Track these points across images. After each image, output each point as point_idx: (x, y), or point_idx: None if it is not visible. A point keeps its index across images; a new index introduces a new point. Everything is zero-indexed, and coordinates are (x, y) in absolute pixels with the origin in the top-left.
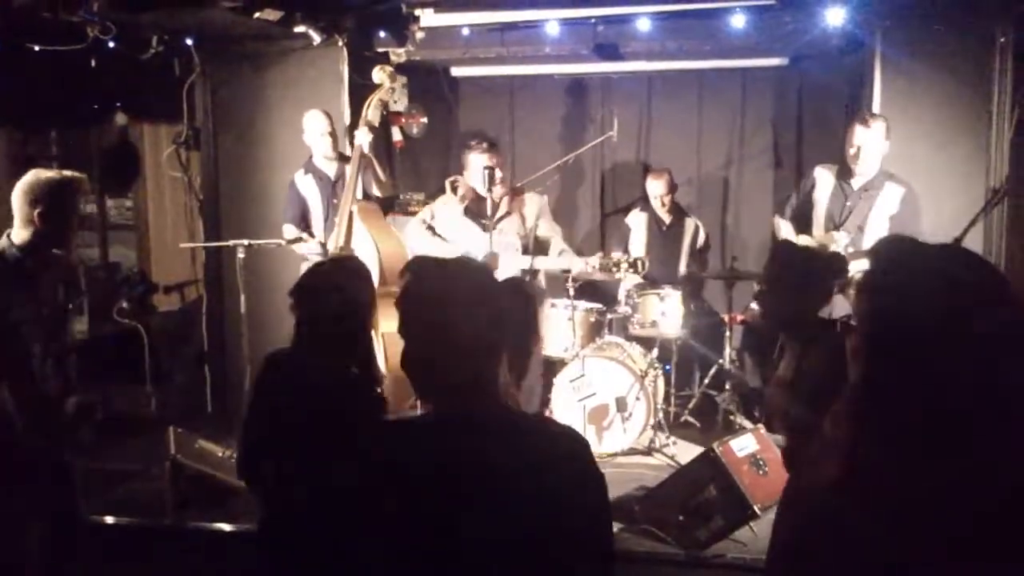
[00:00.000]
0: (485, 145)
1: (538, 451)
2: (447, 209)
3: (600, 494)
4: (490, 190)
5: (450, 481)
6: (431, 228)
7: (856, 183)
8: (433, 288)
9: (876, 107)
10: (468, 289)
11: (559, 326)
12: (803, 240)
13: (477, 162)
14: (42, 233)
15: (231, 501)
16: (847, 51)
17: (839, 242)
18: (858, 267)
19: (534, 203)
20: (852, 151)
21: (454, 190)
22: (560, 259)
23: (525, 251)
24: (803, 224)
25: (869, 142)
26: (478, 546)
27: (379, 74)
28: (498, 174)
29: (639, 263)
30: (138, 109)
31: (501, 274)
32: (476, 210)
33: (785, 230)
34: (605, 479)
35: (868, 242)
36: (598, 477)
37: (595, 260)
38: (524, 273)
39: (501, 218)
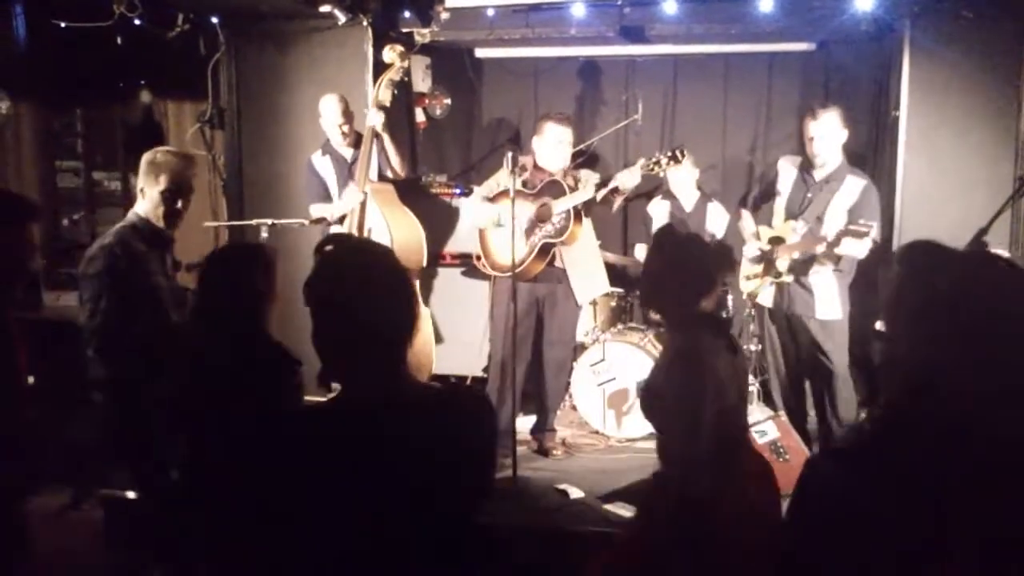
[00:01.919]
0: (567, 119)
1: (442, 424)
2: (504, 181)
3: (486, 448)
4: (513, 172)
5: (364, 460)
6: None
7: (818, 175)
8: (338, 272)
9: (904, 94)
10: (369, 273)
11: (581, 310)
12: (762, 230)
13: (554, 134)
14: (167, 210)
15: None
16: (876, 37)
17: (796, 231)
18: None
19: (590, 177)
20: (808, 143)
21: (514, 165)
22: (611, 182)
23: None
24: (765, 215)
25: (821, 132)
26: (398, 523)
27: (389, 53)
28: (567, 151)
29: (677, 152)
30: (163, 87)
31: (556, 219)
32: (533, 180)
33: (746, 221)
34: (496, 435)
35: (827, 232)
36: (490, 435)
37: (636, 168)
38: (577, 211)
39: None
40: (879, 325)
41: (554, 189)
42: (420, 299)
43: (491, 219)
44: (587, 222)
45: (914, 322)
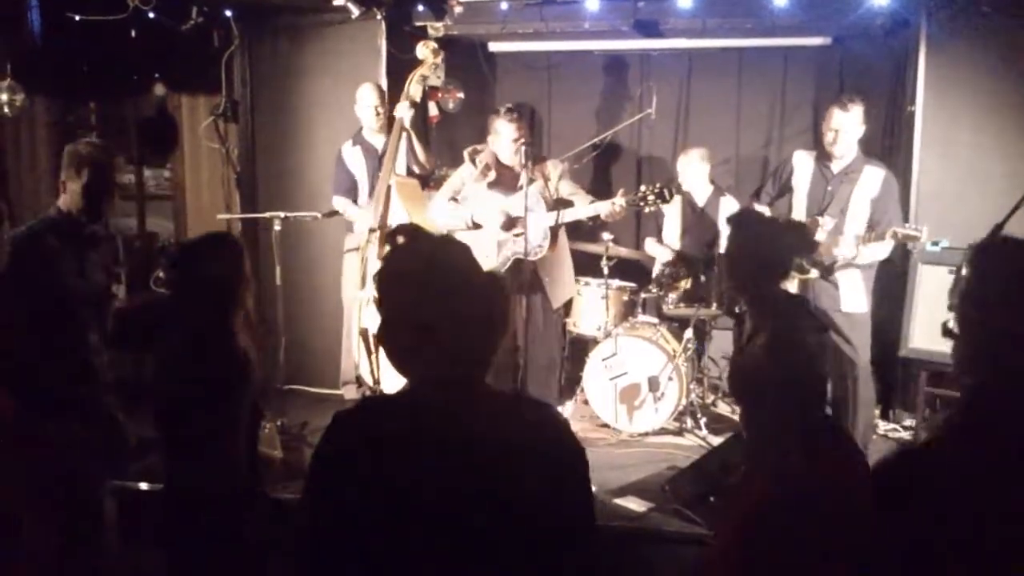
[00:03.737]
0: (515, 115)
1: (513, 428)
2: (469, 179)
3: (577, 467)
4: (525, 165)
5: (424, 457)
6: (455, 200)
7: (836, 167)
8: (411, 264)
9: (920, 89)
10: (446, 267)
11: (592, 304)
12: None
13: (506, 131)
14: (88, 206)
15: (266, 470)
16: (892, 31)
17: (825, 227)
18: (851, 252)
19: (556, 167)
20: (831, 135)
21: (473, 161)
22: (587, 208)
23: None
24: (783, 211)
25: (846, 126)
26: (450, 520)
27: (423, 50)
28: (504, 142)
29: (666, 191)
30: (177, 80)
31: (532, 232)
32: (500, 177)
33: None
34: (585, 452)
35: (850, 225)
36: (576, 451)
37: (620, 199)
38: (553, 230)
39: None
40: (951, 324)
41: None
42: (509, 301)
43: (464, 221)
44: (562, 237)
45: (994, 315)
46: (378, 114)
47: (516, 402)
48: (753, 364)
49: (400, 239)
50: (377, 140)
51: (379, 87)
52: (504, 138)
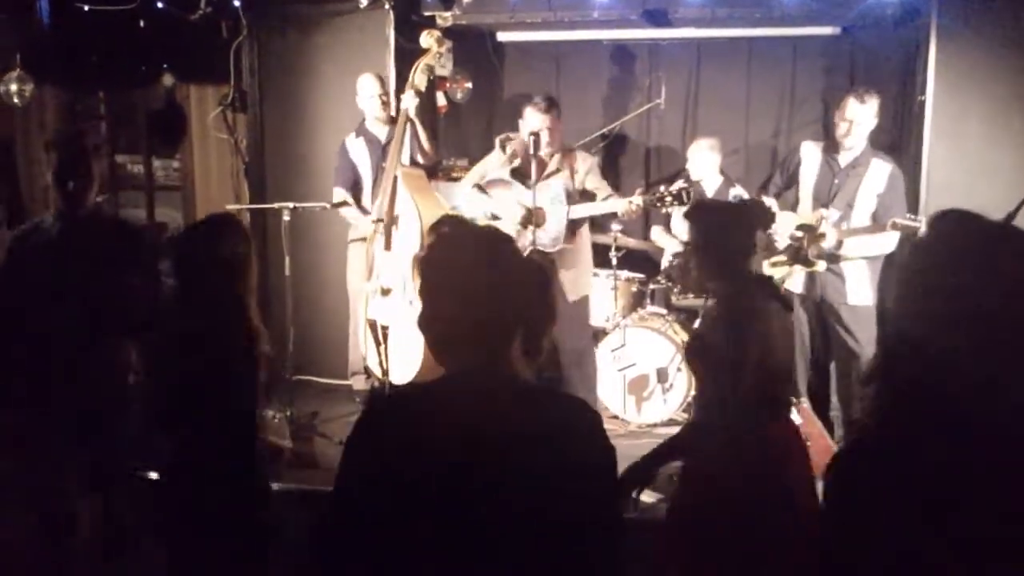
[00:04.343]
0: (543, 105)
1: (546, 421)
2: (494, 167)
3: (606, 465)
4: (534, 154)
5: (457, 445)
6: (480, 187)
7: (843, 160)
8: (456, 254)
9: (930, 79)
10: (490, 259)
11: (601, 295)
12: (789, 217)
13: (530, 120)
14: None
15: (275, 460)
16: (902, 21)
17: (829, 219)
18: (855, 247)
19: (583, 160)
20: (844, 126)
21: (503, 148)
22: (603, 204)
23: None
24: (790, 202)
25: (861, 118)
26: (481, 512)
27: (427, 39)
28: (544, 137)
29: (684, 194)
30: (185, 70)
31: (549, 227)
32: (525, 167)
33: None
34: (615, 451)
35: (856, 220)
36: (606, 448)
37: (638, 198)
38: (571, 224)
39: (551, 174)
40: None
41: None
42: (555, 293)
43: (485, 213)
44: (583, 230)
45: (940, 300)
46: (384, 103)
47: (551, 396)
48: (707, 328)
49: (445, 229)
50: (380, 131)
51: (379, 76)
52: (525, 127)
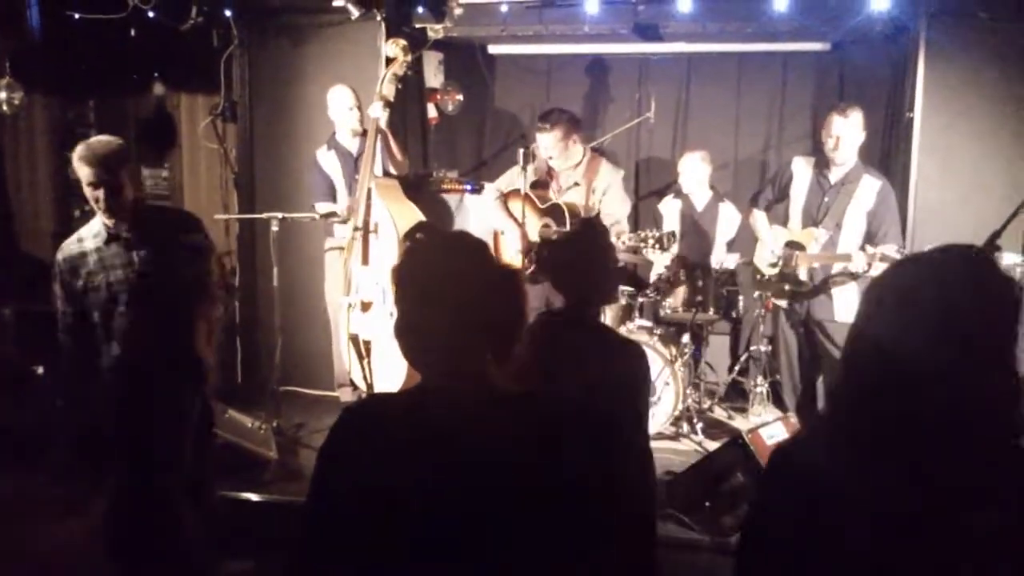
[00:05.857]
0: (547, 125)
1: (523, 428)
2: (515, 176)
3: (585, 474)
4: (524, 168)
5: (431, 453)
6: (503, 200)
7: (833, 176)
8: (427, 262)
9: (918, 95)
10: (460, 266)
11: None
12: (780, 232)
13: (540, 142)
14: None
15: (260, 471)
16: (891, 37)
17: (819, 239)
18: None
19: (607, 176)
20: (831, 141)
21: (525, 160)
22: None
23: None
24: (780, 217)
25: (846, 132)
26: (456, 521)
27: (393, 48)
28: (555, 154)
29: (664, 239)
30: (176, 79)
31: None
32: (543, 181)
33: (760, 221)
34: (603, 457)
35: (845, 238)
36: (588, 454)
37: (624, 241)
38: None
39: (568, 189)
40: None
41: (556, 213)
42: (524, 299)
43: (499, 227)
44: None
45: (901, 304)
46: (359, 113)
47: (530, 400)
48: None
49: (418, 236)
50: (352, 143)
51: (351, 88)
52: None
